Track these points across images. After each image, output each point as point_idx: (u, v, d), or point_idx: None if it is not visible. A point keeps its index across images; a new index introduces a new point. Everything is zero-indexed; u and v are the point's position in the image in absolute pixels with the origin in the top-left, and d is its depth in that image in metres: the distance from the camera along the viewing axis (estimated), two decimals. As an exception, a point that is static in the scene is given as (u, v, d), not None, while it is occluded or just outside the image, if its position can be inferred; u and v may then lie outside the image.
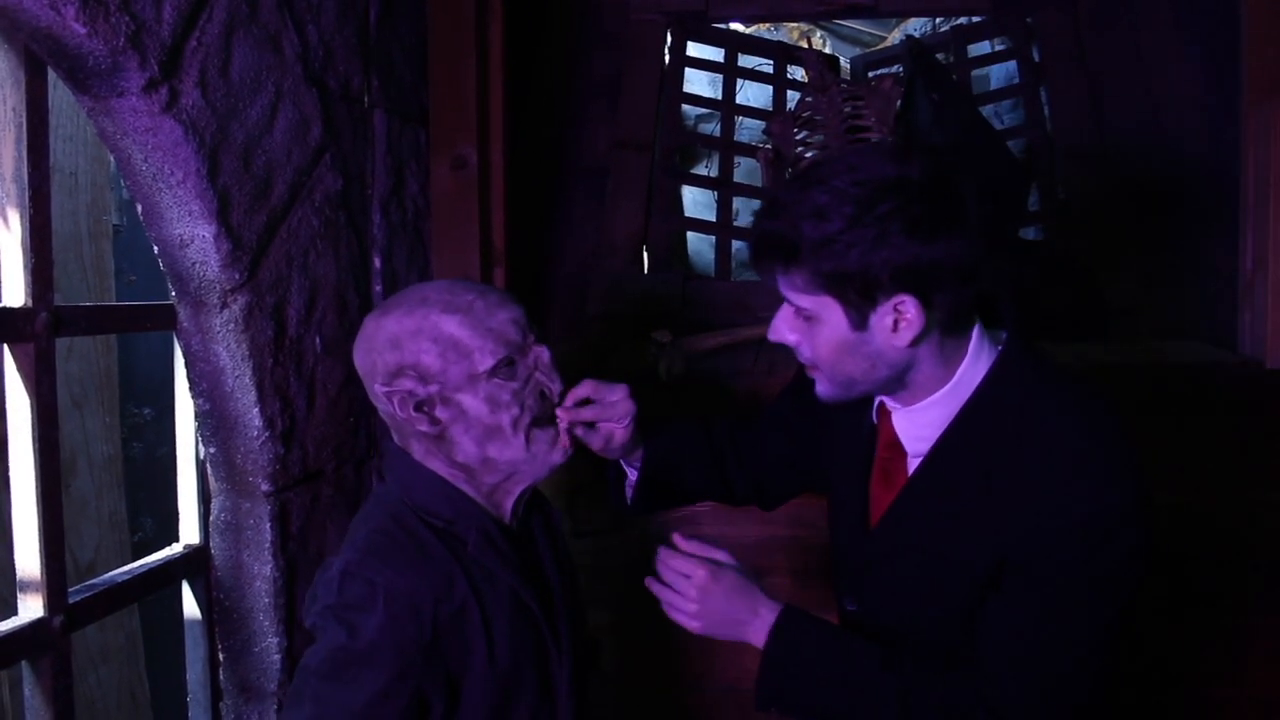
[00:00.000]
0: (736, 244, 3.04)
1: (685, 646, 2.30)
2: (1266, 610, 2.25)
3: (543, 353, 1.41)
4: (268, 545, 1.75)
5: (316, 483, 1.90)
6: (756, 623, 1.34)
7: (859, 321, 1.25)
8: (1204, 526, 2.25)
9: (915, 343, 1.26)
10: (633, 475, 1.62)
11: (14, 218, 1.38)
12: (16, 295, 1.39)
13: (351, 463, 2.03)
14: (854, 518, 1.45)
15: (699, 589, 1.34)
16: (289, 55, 1.80)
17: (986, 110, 3.48)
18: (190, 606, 1.79)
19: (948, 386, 1.31)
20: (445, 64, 2.42)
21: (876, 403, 1.42)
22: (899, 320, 1.24)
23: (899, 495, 1.37)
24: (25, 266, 1.39)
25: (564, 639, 1.45)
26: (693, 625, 1.36)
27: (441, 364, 1.36)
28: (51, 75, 1.40)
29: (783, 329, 1.33)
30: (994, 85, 3.94)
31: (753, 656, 1.64)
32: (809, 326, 1.30)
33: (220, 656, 1.79)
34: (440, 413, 1.38)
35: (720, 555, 1.38)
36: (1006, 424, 1.28)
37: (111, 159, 2.06)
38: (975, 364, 1.31)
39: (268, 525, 1.75)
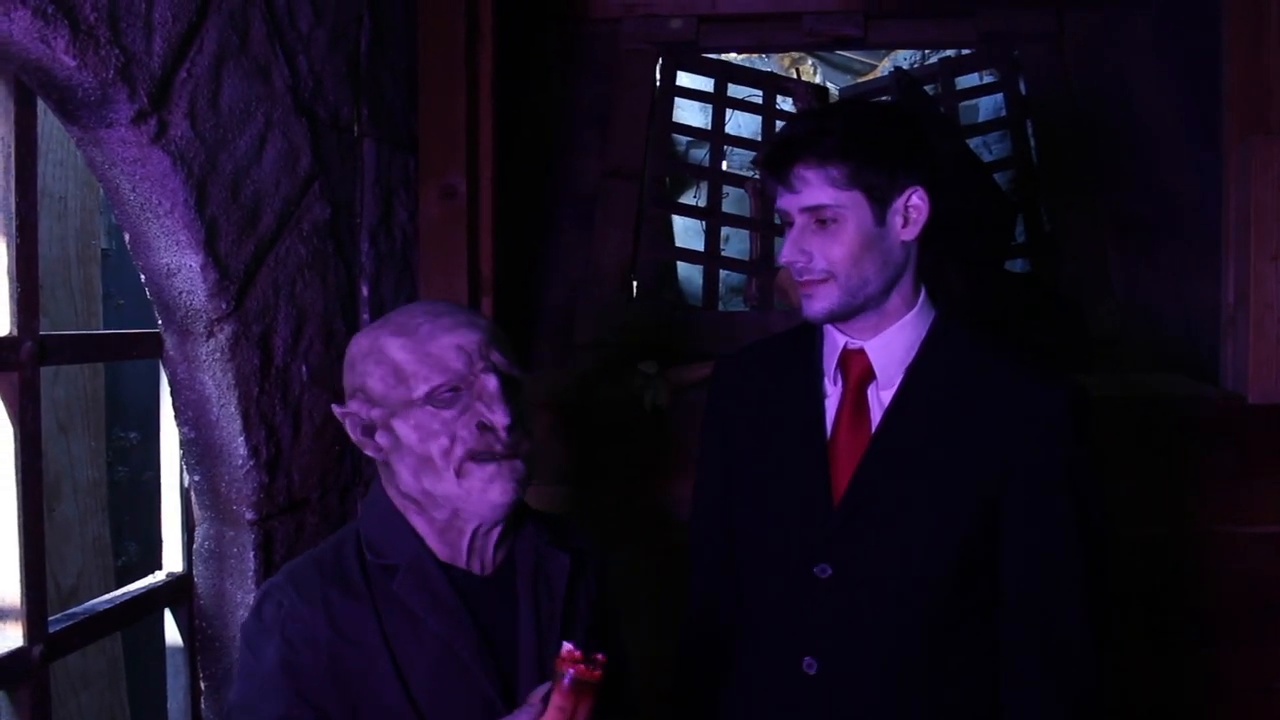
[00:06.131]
0: (724, 274, 3.04)
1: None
2: (1245, 642, 2.25)
3: (489, 381, 1.28)
4: (251, 574, 1.75)
5: (301, 511, 1.89)
6: None
7: (880, 216, 1.39)
8: (1183, 559, 2.26)
9: (917, 238, 1.42)
10: None
11: (0, 246, 1.39)
12: (2, 324, 1.40)
13: (336, 491, 2.02)
14: (814, 479, 1.45)
15: None
16: (279, 86, 1.82)
17: (974, 142, 3.51)
18: (172, 634, 1.78)
19: (916, 309, 1.46)
20: (435, 93, 2.43)
21: (839, 349, 1.47)
22: (908, 216, 1.41)
23: (885, 418, 1.44)
24: (11, 295, 1.40)
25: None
26: None
27: (383, 388, 1.30)
28: (41, 103, 1.41)
29: (795, 248, 1.41)
30: (982, 117, 3.97)
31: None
32: (827, 233, 1.39)
33: (202, 685, 1.78)
34: (381, 439, 1.32)
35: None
36: (964, 350, 1.46)
37: (101, 185, 2.06)
38: (928, 302, 1.48)
39: (251, 554, 1.75)
